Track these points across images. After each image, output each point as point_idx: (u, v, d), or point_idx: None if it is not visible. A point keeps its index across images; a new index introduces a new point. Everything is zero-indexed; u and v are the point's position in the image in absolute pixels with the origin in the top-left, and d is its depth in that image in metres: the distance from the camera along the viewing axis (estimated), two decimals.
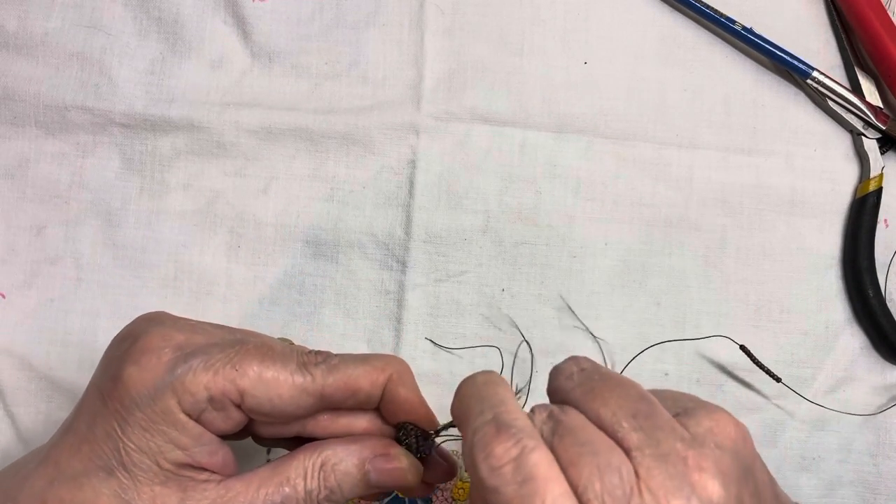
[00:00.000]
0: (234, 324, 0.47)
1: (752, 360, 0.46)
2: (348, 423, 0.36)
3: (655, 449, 0.26)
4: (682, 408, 0.29)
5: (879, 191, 0.47)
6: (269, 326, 0.47)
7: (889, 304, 0.47)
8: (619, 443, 0.27)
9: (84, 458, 0.32)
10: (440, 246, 0.48)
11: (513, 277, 0.48)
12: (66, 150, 0.49)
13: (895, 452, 0.46)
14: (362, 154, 0.48)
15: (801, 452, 0.47)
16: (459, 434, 0.33)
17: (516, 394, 0.47)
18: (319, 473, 0.33)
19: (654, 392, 0.30)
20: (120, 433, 0.31)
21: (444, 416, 0.49)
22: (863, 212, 0.47)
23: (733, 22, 0.48)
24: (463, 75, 0.49)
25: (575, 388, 0.29)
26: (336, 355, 0.34)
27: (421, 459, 0.36)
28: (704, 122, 0.49)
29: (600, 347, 0.47)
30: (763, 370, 0.46)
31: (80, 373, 0.47)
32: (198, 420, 0.32)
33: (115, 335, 0.35)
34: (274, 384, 0.32)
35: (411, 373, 0.36)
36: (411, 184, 0.48)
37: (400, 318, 0.47)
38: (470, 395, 0.31)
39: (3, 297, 0.48)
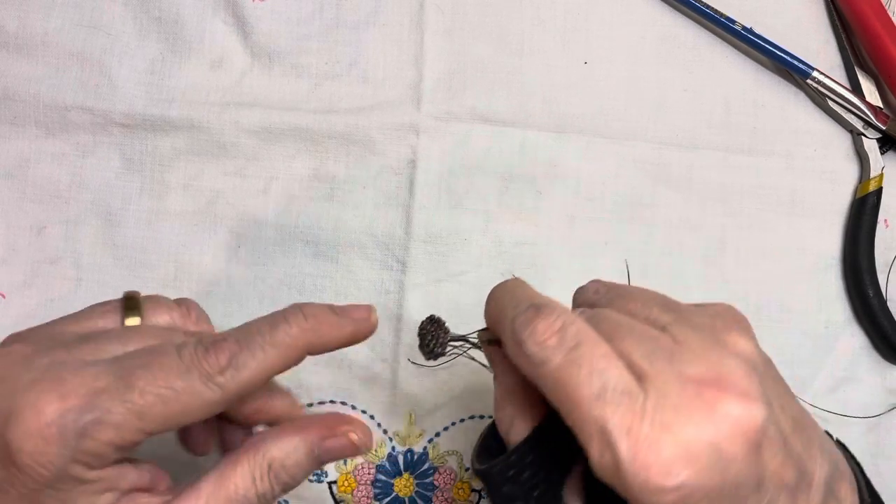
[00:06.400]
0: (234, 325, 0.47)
1: None
2: (264, 403, 0.35)
3: (687, 323, 0.29)
4: (693, 304, 0.32)
5: (879, 191, 0.47)
6: None
7: (889, 305, 0.47)
8: (652, 324, 0.29)
9: None
10: (440, 246, 0.48)
11: None
12: (66, 150, 0.49)
13: (895, 452, 0.46)
14: (362, 154, 0.48)
15: None
16: (478, 343, 0.35)
17: None
18: (269, 475, 0.32)
19: None
20: None
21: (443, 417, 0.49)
22: (863, 212, 0.47)
23: (733, 22, 0.48)
24: (463, 75, 0.49)
25: (601, 298, 0.32)
26: (238, 343, 0.31)
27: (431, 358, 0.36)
28: (704, 122, 0.49)
29: None
30: None
31: None
32: (111, 465, 0.30)
33: None
34: (182, 414, 0.30)
35: (325, 326, 0.33)
36: (411, 184, 0.48)
37: (400, 318, 0.47)
38: (502, 296, 0.32)
39: (3, 297, 0.48)
